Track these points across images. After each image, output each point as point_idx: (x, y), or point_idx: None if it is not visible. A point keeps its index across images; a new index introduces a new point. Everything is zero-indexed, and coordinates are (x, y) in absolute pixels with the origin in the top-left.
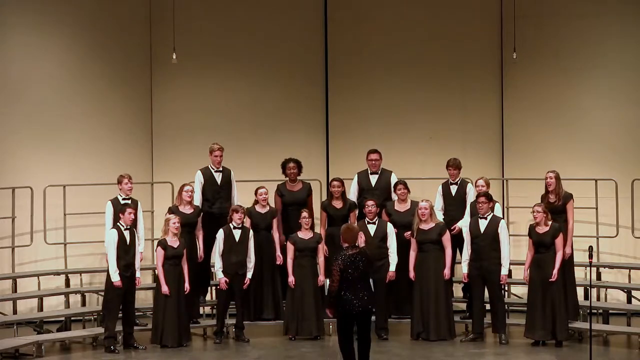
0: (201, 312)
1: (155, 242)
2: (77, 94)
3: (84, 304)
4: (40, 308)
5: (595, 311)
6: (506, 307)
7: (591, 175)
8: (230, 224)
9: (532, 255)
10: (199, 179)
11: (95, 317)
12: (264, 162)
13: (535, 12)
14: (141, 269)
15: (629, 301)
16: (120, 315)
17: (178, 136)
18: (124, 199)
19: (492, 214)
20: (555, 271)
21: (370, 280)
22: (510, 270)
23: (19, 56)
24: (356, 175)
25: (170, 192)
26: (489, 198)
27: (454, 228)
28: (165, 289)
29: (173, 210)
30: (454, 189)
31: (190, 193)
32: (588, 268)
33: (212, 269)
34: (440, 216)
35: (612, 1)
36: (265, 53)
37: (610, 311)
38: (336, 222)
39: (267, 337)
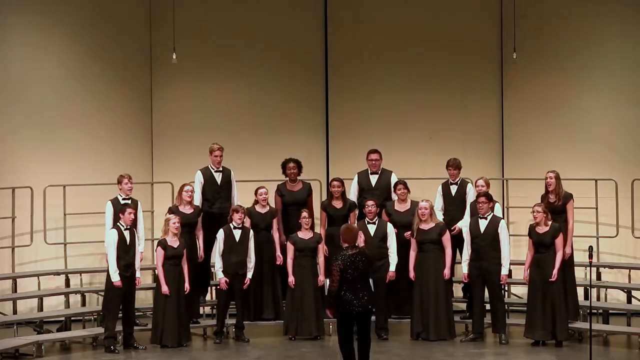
0: (201, 312)
1: (155, 242)
2: (77, 94)
3: (84, 304)
4: (40, 308)
5: (595, 311)
6: (506, 307)
7: (591, 175)
8: (231, 224)
9: (532, 255)
10: (199, 179)
11: (95, 317)
12: (264, 162)
13: (535, 12)
14: (141, 269)
15: (629, 301)
16: (120, 315)
17: (178, 136)
18: (124, 199)
19: (492, 214)
20: (555, 271)
21: (370, 280)
22: (510, 270)
23: (19, 56)
24: (356, 175)
25: (170, 192)
26: (489, 198)
27: (454, 228)
28: (165, 289)
29: (173, 210)
30: (454, 189)
31: (190, 193)
32: (588, 268)
33: (212, 269)
34: (440, 216)
35: (612, 1)
36: (265, 53)
37: (610, 311)
38: (336, 222)
39: (267, 337)
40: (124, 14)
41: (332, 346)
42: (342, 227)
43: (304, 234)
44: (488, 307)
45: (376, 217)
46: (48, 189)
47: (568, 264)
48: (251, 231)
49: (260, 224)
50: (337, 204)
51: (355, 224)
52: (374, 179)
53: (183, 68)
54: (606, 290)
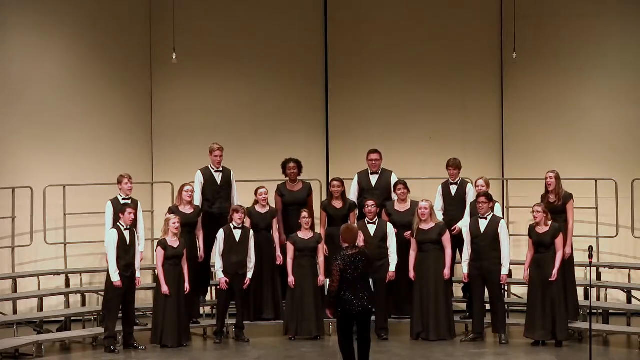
0: (201, 312)
1: (155, 242)
2: (77, 94)
3: (84, 304)
4: (40, 308)
5: (595, 311)
6: (506, 307)
7: (591, 175)
8: (231, 224)
9: (532, 255)
10: (199, 179)
11: (95, 317)
12: (264, 162)
13: (535, 12)
14: (141, 269)
15: (629, 301)
16: (120, 315)
17: (178, 136)
18: (124, 199)
19: (492, 214)
20: (555, 271)
21: (370, 280)
22: (510, 270)
23: (19, 56)
24: (356, 175)
25: (170, 192)
26: (489, 198)
27: (454, 229)
28: (165, 289)
29: (173, 210)
30: (453, 189)
31: (190, 193)
32: (588, 268)
33: (212, 269)
34: (440, 216)
35: (612, 1)
36: (265, 53)
37: (610, 311)
38: (336, 222)
39: (267, 337)
40: (124, 14)
41: (332, 346)
42: (342, 227)
43: (304, 234)
44: (488, 307)
45: (376, 217)
46: (48, 189)
47: (568, 264)
48: (251, 231)
49: (260, 224)
50: (337, 204)
51: (355, 224)
52: (374, 179)
53: (183, 68)
54: (606, 290)
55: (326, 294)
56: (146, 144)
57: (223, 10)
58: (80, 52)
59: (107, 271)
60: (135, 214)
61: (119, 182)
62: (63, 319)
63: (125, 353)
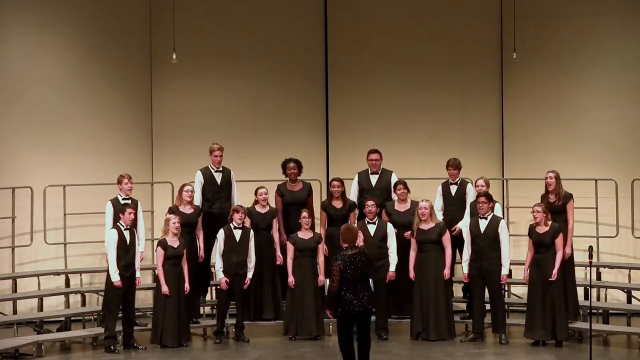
0: (201, 312)
1: (155, 242)
2: (77, 94)
3: (84, 304)
4: (40, 308)
5: (595, 311)
6: (506, 307)
7: (591, 175)
8: (231, 224)
9: (532, 255)
10: (199, 179)
11: (95, 317)
12: (264, 162)
13: (535, 12)
14: (141, 269)
15: (629, 301)
16: (120, 315)
17: (178, 136)
18: (124, 199)
19: (492, 214)
20: (555, 271)
21: (370, 280)
22: (510, 270)
23: (19, 56)
24: (356, 175)
25: (170, 192)
26: (489, 198)
27: (455, 229)
28: (165, 289)
29: (173, 210)
30: (453, 189)
31: (190, 193)
32: (588, 268)
33: (212, 269)
34: (440, 216)
35: (612, 1)
36: (265, 53)
37: (610, 311)
38: (336, 222)
39: (267, 337)
40: (124, 14)
41: (332, 346)
42: (342, 227)
43: (304, 234)
44: (488, 307)
45: (376, 217)
46: (48, 189)
47: (568, 264)
48: (251, 231)
49: (260, 224)
50: (337, 204)
51: (355, 224)
52: (374, 179)
53: (183, 68)
54: (606, 290)
55: (326, 294)
56: (146, 144)
57: (223, 10)
58: (80, 52)
59: (107, 271)
60: (135, 214)
61: (119, 182)
62: (63, 319)
63: (125, 353)
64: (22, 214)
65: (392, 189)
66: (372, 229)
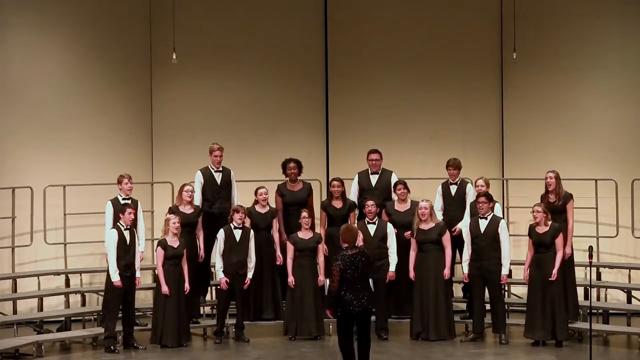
0: (201, 312)
1: (155, 242)
2: (77, 94)
3: (84, 304)
4: (40, 308)
5: (595, 311)
6: (506, 307)
7: (591, 175)
8: (231, 224)
9: (532, 255)
10: (198, 179)
11: (95, 317)
12: (264, 162)
13: (535, 12)
14: (141, 269)
15: (629, 301)
16: (120, 315)
17: (178, 136)
18: (124, 199)
19: (492, 214)
20: (555, 271)
21: (370, 281)
22: (510, 270)
23: (19, 56)
24: (357, 175)
25: (170, 192)
26: (489, 198)
27: (455, 230)
28: (165, 289)
29: (173, 210)
30: (453, 189)
31: (190, 193)
32: (588, 268)
33: (212, 269)
34: (439, 216)
35: (612, 1)
36: (265, 53)
37: (610, 311)
38: (336, 222)
39: (267, 337)
40: (124, 14)
41: (332, 346)
42: (341, 227)
43: (304, 234)
44: (488, 307)
45: (376, 217)
46: (48, 189)
47: (568, 264)
48: (252, 231)
49: (260, 224)
50: (337, 204)
51: (355, 224)
52: (374, 179)
53: (183, 68)
54: (606, 290)
55: (326, 294)
56: (146, 144)
57: (223, 10)
58: (80, 52)
59: (107, 271)
60: (135, 214)
61: (119, 182)
62: (63, 319)
63: (125, 353)
64: (22, 214)
65: (392, 189)
66: (372, 229)
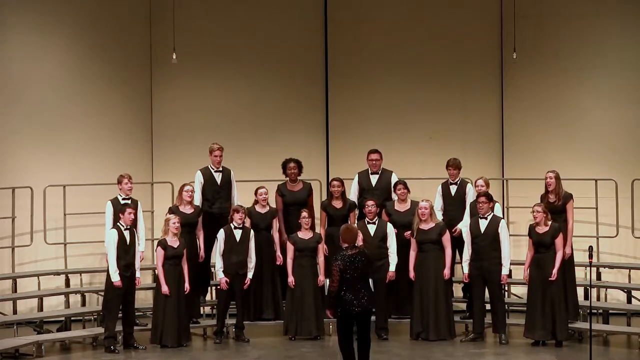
0: (201, 312)
1: (155, 242)
2: (77, 94)
3: (84, 304)
4: (40, 308)
5: (595, 311)
6: (506, 307)
7: (591, 175)
8: (231, 224)
9: (532, 255)
10: (198, 179)
11: (95, 317)
12: (264, 162)
13: (535, 12)
14: (141, 269)
15: (629, 301)
16: (120, 315)
17: (178, 136)
18: (124, 199)
19: (492, 214)
20: (555, 271)
21: (370, 281)
22: (510, 270)
23: (19, 56)
24: (357, 175)
25: (170, 192)
26: (490, 198)
27: (455, 230)
28: (165, 289)
29: (173, 210)
30: (453, 189)
31: (190, 193)
32: (588, 268)
33: (212, 269)
34: (439, 216)
35: (612, 1)
36: (265, 53)
37: (610, 311)
38: (336, 222)
39: (267, 337)
40: (124, 14)
41: (332, 346)
42: (341, 227)
43: (304, 234)
44: (488, 307)
45: (376, 217)
46: (48, 189)
47: (568, 264)
48: (252, 231)
49: (260, 224)
50: (337, 204)
51: (355, 224)
52: (374, 179)
53: (183, 68)
54: (606, 290)
55: (326, 294)
56: (146, 144)
57: (223, 10)
58: (80, 52)
59: (107, 271)
60: (135, 214)
61: (119, 182)
62: (63, 319)
63: (125, 353)
64: (22, 214)
65: (392, 189)
66: (372, 229)
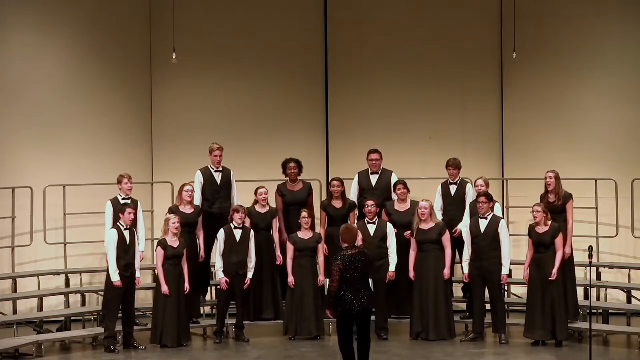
0: (201, 312)
1: (155, 242)
2: (77, 94)
3: (84, 304)
4: (40, 308)
5: (595, 311)
6: (506, 307)
7: (591, 175)
8: (231, 224)
9: (531, 255)
10: (198, 179)
11: (95, 317)
12: (264, 162)
13: (535, 12)
14: (141, 269)
15: (629, 301)
16: (120, 315)
17: (178, 136)
18: (123, 199)
19: (492, 214)
20: (555, 270)
21: (370, 281)
22: (510, 270)
23: (19, 56)
24: (357, 175)
25: (170, 192)
26: (490, 198)
27: (456, 231)
28: (165, 289)
29: (173, 210)
30: (453, 189)
31: (190, 193)
32: (588, 268)
33: (212, 269)
34: (439, 216)
35: (612, 1)
36: (265, 53)
37: (610, 311)
38: (336, 222)
39: (267, 337)
40: (124, 14)
41: (332, 346)
42: (341, 227)
43: (304, 234)
44: (488, 307)
45: (376, 217)
46: (48, 189)
47: (568, 263)
48: (252, 231)
49: (260, 224)
50: (337, 204)
51: (355, 224)
52: (374, 179)
53: (183, 68)
54: (606, 290)
55: (326, 294)
56: (146, 144)
57: (223, 10)
58: (80, 52)
59: (107, 271)
60: (135, 214)
61: (119, 182)
62: (63, 319)
63: (125, 353)
64: (22, 214)
65: (392, 189)
66: (372, 229)
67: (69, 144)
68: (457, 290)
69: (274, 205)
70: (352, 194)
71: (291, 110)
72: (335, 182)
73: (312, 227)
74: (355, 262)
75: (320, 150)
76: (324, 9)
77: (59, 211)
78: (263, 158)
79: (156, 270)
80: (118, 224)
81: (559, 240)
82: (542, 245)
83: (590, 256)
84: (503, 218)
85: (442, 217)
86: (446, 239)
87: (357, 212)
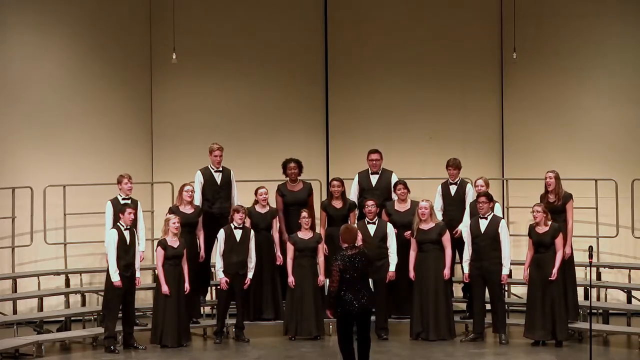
0: (201, 312)
1: (155, 242)
2: (77, 94)
3: (84, 304)
4: (40, 308)
5: (595, 311)
6: (506, 307)
7: (591, 175)
8: (231, 224)
9: (531, 255)
10: (198, 179)
11: (95, 317)
12: (264, 162)
13: (535, 12)
14: (141, 269)
15: (629, 301)
16: (120, 315)
17: (178, 136)
18: (123, 199)
19: (492, 213)
20: (555, 270)
21: (370, 281)
22: (510, 270)
23: (19, 56)
24: (357, 175)
25: (170, 192)
26: (490, 198)
27: (456, 232)
28: (165, 289)
29: (173, 210)
30: (453, 189)
31: (190, 193)
32: (588, 268)
33: (212, 269)
34: (439, 216)
35: (612, 1)
36: (265, 53)
37: (610, 311)
38: (336, 222)
39: (267, 337)
40: (124, 14)
41: (332, 346)
42: (341, 227)
43: (304, 234)
44: (488, 307)
45: (376, 217)
46: (48, 189)
47: (568, 263)
48: (252, 231)
49: (260, 224)
50: (337, 204)
51: (355, 224)
52: (374, 179)
53: (183, 68)
54: (606, 290)
55: (326, 294)
56: (146, 144)
57: (223, 10)
58: (80, 52)
59: (107, 271)
60: (135, 214)
61: (119, 182)
62: (63, 319)
63: (125, 353)
64: (22, 214)
65: (392, 189)
66: (372, 229)
67: (69, 144)
68: (457, 290)
69: (274, 205)
70: (352, 194)
71: (291, 110)
72: (335, 182)
73: (312, 227)
74: (355, 262)
75: (320, 150)
76: (324, 9)
77: (59, 211)
78: (263, 158)
79: (156, 270)
80: (118, 224)
81: (559, 240)
82: (542, 245)
83: (590, 256)
84: (503, 218)
85: (442, 217)
86: (446, 239)
87: (357, 212)
